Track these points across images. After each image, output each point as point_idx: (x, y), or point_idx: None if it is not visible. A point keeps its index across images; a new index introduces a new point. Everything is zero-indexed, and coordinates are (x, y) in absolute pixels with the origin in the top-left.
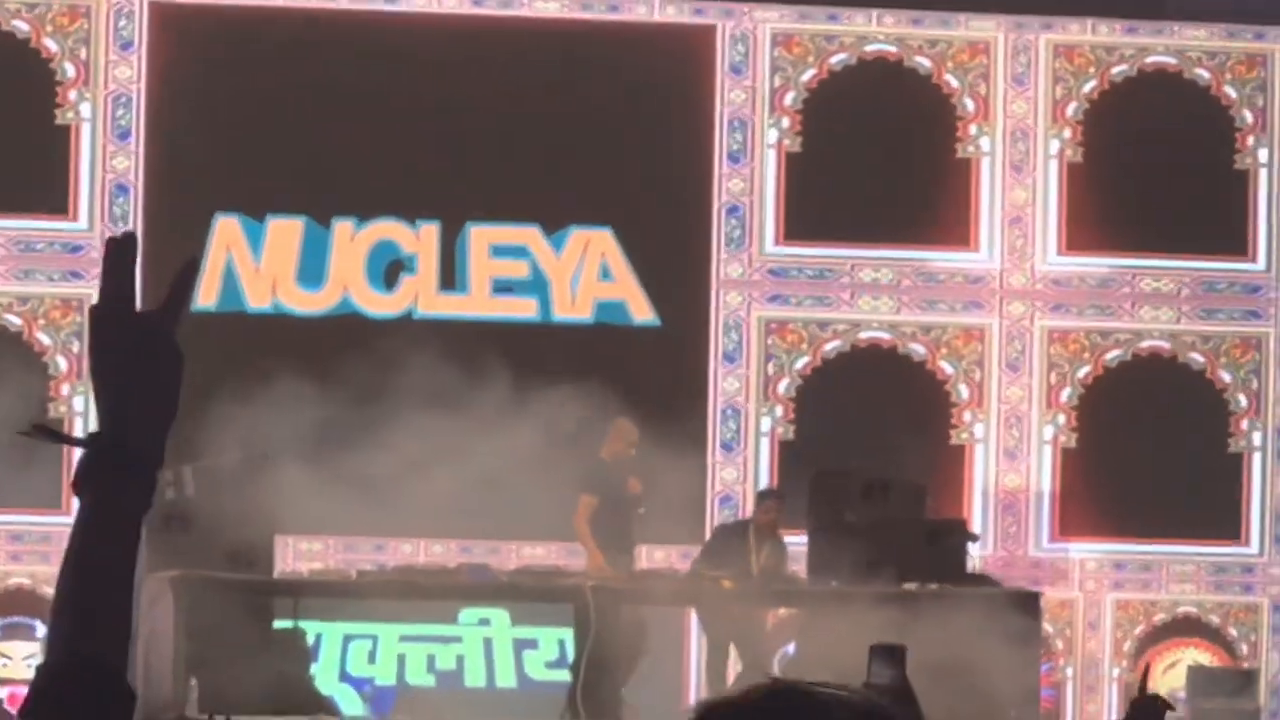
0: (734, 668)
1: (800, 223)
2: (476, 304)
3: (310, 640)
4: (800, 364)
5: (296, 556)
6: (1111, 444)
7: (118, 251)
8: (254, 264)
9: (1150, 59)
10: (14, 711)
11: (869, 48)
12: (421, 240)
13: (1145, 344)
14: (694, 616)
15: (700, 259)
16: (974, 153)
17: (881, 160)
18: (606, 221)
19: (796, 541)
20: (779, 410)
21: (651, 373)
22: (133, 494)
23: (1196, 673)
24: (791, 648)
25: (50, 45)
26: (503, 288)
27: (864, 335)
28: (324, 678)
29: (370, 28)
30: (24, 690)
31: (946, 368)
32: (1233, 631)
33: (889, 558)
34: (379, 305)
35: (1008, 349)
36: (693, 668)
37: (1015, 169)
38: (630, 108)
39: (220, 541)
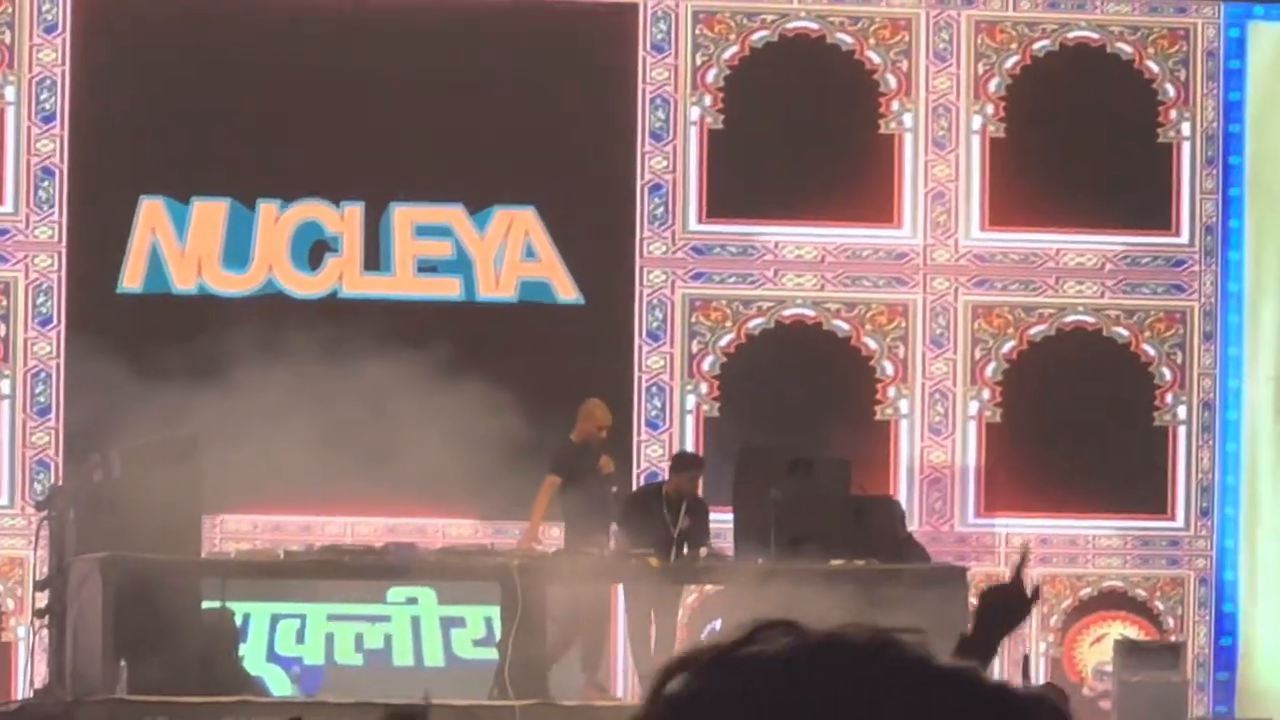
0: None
1: (723, 200)
2: (401, 284)
3: (238, 620)
4: (724, 341)
5: (224, 536)
6: (1037, 419)
7: None
8: (179, 246)
9: (1072, 34)
10: None
11: (791, 25)
12: (346, 221)
13: (1069, 319)
14: (620, 594)
15: (623, 237)
16: (896, 129)
17: (804, 137)
18: (530, 201)
19: (723, 519)
20: (703, 387)
21: (576, 351)
22: None
23: (1123, 646)
24: (718, 624)
25: None
26: (427, 267)
27: (788, 312)
28: (252, 658)
29: (293, 9)
30: None
31: (871, 344)
32: (1159, 605)
33: (814, 534)
34: (304, 286)
35: (932, 325)
36: (620, 644)
37: (938, 145)
38: (553, 86)
39: (147, 522)
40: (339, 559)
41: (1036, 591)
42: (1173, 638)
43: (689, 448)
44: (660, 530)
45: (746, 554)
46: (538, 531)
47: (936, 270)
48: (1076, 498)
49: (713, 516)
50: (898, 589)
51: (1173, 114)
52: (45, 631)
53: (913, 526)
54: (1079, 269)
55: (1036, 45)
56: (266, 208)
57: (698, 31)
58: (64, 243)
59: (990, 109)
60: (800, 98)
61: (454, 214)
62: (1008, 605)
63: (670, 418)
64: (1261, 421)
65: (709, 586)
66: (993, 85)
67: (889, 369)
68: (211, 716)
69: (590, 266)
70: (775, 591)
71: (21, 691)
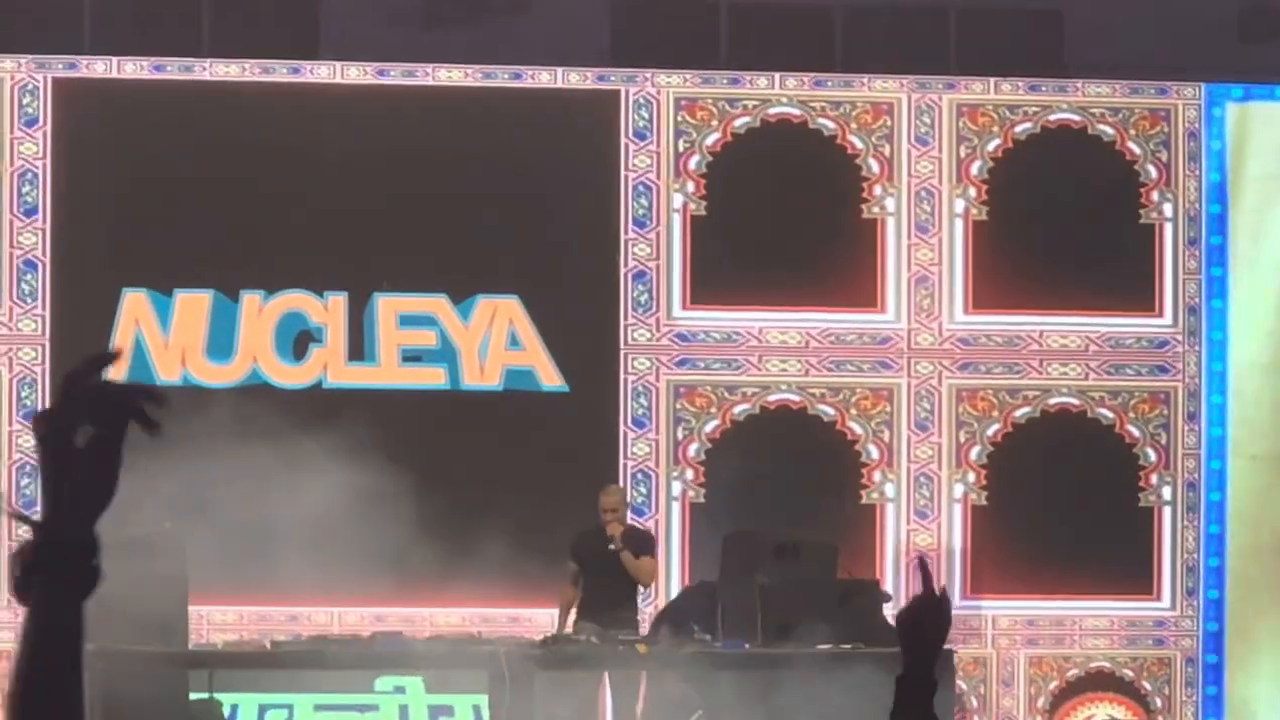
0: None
1: (707, 287)
2: (386, 374)
3: (226, 711)
4: (709, 427)
5: (210, 628)
6: (1022, 501)
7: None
8: (163, 338)
9: (1054, 116)
10: None
11: (772, 110)
12: (330, 311)
13: (1054, 400)
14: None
15: (608, 324)
16: (879, 213)
17: (787, 222)
18: (513, 289)
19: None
20: (689, 473)
21: (562, 439)
22: (76, 584)
23: None
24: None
25: None
26: (411, 357)
27: (773, 397)
28: None
29: (274, 100)
30: None
31: (856, 428)
32: (1147, 685)
33: (802, 619)
34: (288, 376)
35: (916, 408)
36: None
37: (920, 229)
38: (535, 175)
39: (133, 615)
40: (326, 649)
41: (943, 594)
42: (1160, 718)
43: (675, 534)
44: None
45: (734, 640)
46: (564, 620)
47: (920, 354)
48: (1063, 579)
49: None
50: (887, 673)
51: (1155, 195)
52: None
53: (899, 609)
54: (1063, 351)
55: (1018, 128)
56: (250, 299)
57: (679, 118)
58: (47, 336)
59: (973, 192)
60: (783, 183)
61: (438, 304)
62: (924, 624)
63: (656, 504)
64: (1246, 503)
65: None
66: (975, 168)
67: (874, 453)
68: None
69: (574, 354)
70: (762, 677)
71: None
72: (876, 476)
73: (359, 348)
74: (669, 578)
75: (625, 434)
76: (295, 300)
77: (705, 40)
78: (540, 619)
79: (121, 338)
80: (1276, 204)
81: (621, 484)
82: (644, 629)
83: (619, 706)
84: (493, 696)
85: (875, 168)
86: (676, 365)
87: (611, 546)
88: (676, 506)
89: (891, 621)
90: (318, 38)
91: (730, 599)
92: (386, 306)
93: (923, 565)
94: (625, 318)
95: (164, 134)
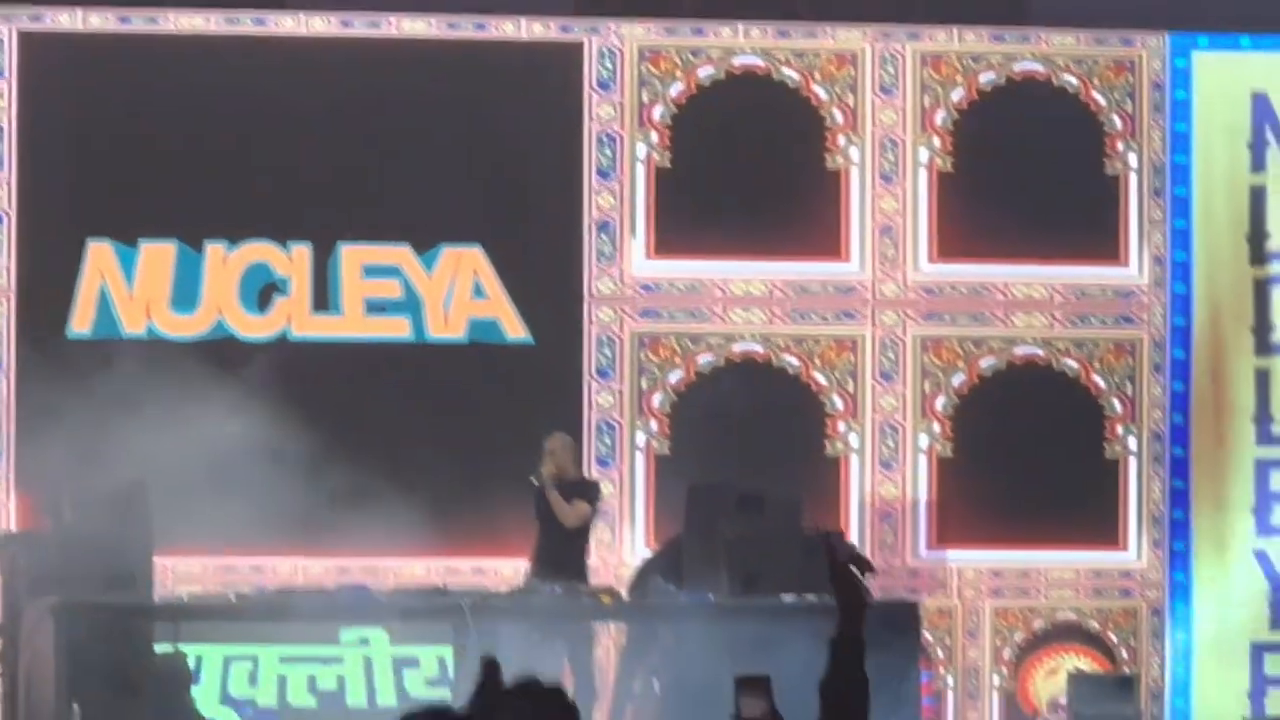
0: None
1: (671, 237)
2: (350, 325)
3: (191, 663)
4: (674, 378)
5: (176, 579)
6: (987, 452)
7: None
8: (127, 290)
9: (1018, 66)
10: None
11: (736, 60)
12: (294, 262)
13: (1019, 351)
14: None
15: (572, 275)
16: (843, 163)
17: (751, 173)
18: (477, 239)
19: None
20: (653, 425)
21: (526, 390)
22: None
23: (1077, 679)
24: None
25: None
26: (376, 308)
27: (737, 348)
28: (205, 700)
29: (237, 51)
30: None
31: (820, 379)
32: (1112, 637)
33: (766, 570)
34: (253, 328)
35: (881, 359)
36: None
37: (885, 179)
38: (499, 125)
39: (99, 568)
40: (290, 601)
41: (855, 555)
42: (1126, 670)
43: (640, 486)
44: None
45: (698, 591)
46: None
47: (885, 304)
48: (1029, 530)
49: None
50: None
51: (1119, 145)
52: None
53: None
54: (1028, 301)
55: (982, 78)
56: (214, 249)
57: (643, 69)
58: (13, 288)
59: (937, 142)
60: (747, 133)
61: (401, 254)
62: (847, 588)
63: (620, 455)
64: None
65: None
66: (939, 118)
67: (838, 404)
68: None
69: (538, 305)
70: (727, 629)
71: None
72: (841, 427)
73: (323, 298)
74: (633, 528)
75: (589, 384)
76: (259, 251)
77: None
78: (505, 570)
79: (86, 289)
80: (1241, 154)
81: (586, 435)
82: (594, 579)
83: (577, 656)
84: (457, 648)
85: (839, 118)
86: (640, 316)
87: (532, 479)
88: (640, 457)
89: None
90: None
91: (695, 551)
92: (351, 257)
93: (827, 539)
94: (589, 268)
95: (130, 86)
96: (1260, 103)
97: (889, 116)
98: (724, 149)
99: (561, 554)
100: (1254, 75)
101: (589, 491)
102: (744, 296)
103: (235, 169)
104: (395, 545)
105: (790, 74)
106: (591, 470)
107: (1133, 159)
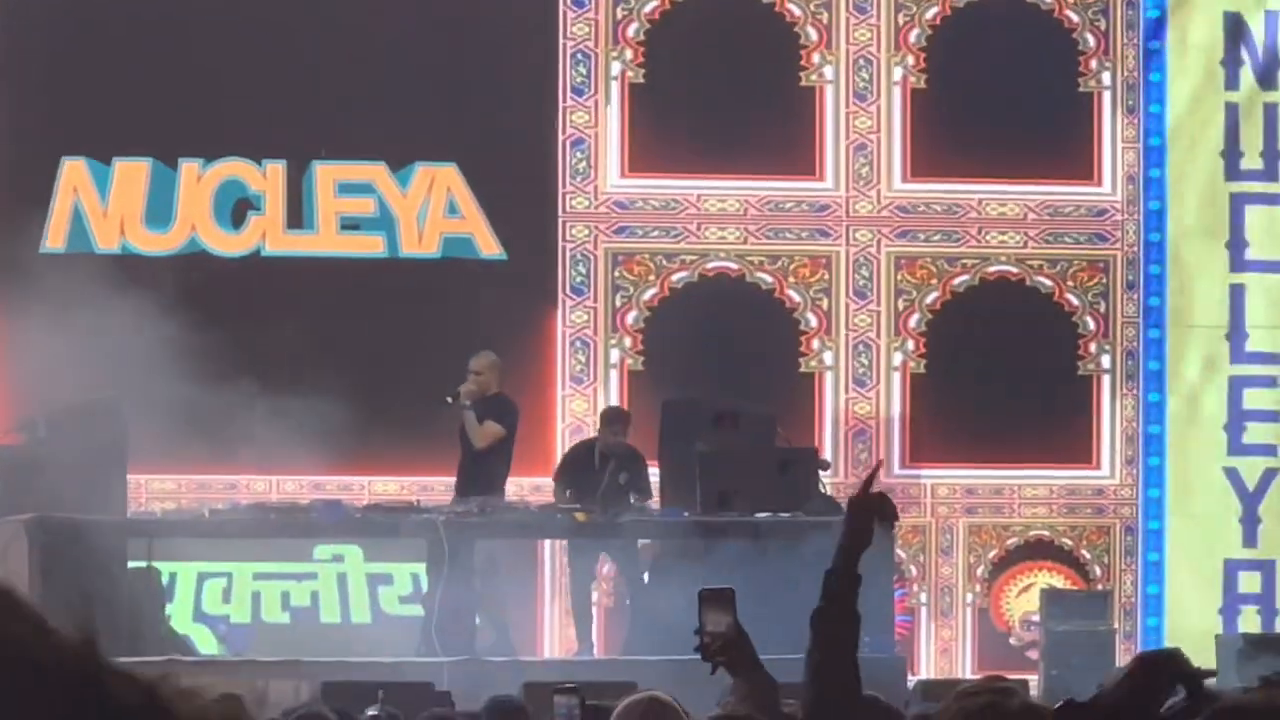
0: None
1: (645, 154)
2: (324, 242)
3: (164, 580)
4: (648, 295)
5: (149, 496)
6: (961, 369)
7: None
8: (101, 207)
9: None
10: None
11: None
12: (268, 179)
13: (992, 269)
14: (546, 547)
15: (546, 192)
16: (817, 81)
17: (725, 90)
18: (451, 157)
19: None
20: (627, 341)
21: (500, 306)
22: None
23: (1050, 595)
24: (645, 576)
25: None
26: (350, 225)
27: (711, 265)
28: (179, 617)
29: None
30: None
31: (794, 296)
32: (1085, 554)
33: (740, 487)
34: (227, 245)
35: (855, 276)
36: (546, 598)
37: (859, 97)
38: (473, 43)
39: (73, 484)
40: (265, 517)
41: (885, 501)
42: (1099, 586)
43: (614, 402)
44: (592, 486)
45: (672, 507)
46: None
47: (859, 222)
48: (1002, 448)
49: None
50: (825, 541)
51: (1093, 63)
52: None
53: (838, 478)
54: (1001, 219)
55: None
56: (188, 167)
57: None
58: None
59: (911, 60)
60: (721, 51)
61: (376, 171)
62: (862, 527)
63: (594, 372)
64: (1186, 369)
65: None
66: (913, 36)
67: (813, 321)
68: None
69: (513, 222)
70: (702, 545)
71: None
72: (815, 345)
73: (297, 216)
74: None
75: (564, 301)
76: (234, 168)
77: None
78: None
79: (60, 205)
80: (1216, 72)
81: (561, 351)
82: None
83: (576, 573)
84: (431, 564)
85: (814, 35)
86: (615, 233)
87: (447, 398)
88: (615, 374)
89: (828, 489)
90: None
91: (669, 466)
92: (325, 174)
93: (874, 471)
94: (563, 185)
95: (105, 4)
96: (1233, 20)
97: (863, 34)
98: (698, 67)
99: (477, 471)
100: None
101: (504, 411)
102: (718, 214)
103: (209, 86)
104: (368, 462)
105: None
106: (566, 386)
107: (1106, 77)
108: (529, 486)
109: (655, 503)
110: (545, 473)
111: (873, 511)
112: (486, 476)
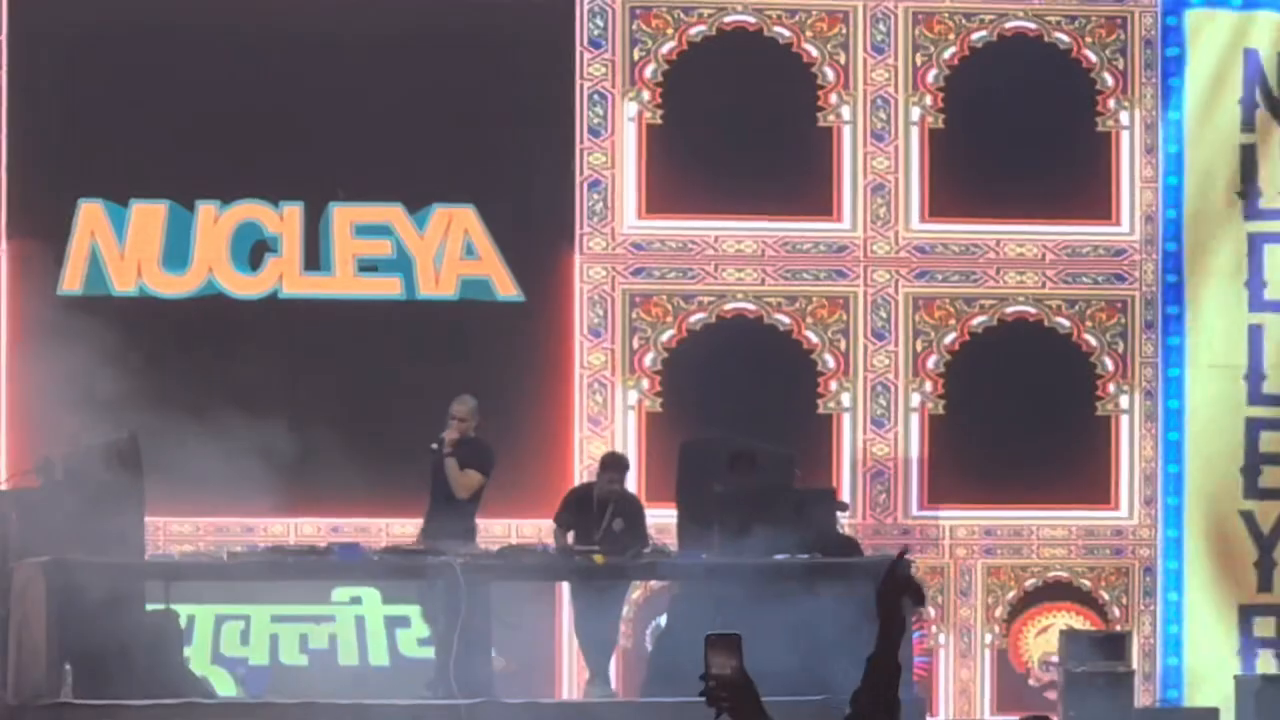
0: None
1: (662, 195)
2: (341, 284)
3: (182, 622)
4: (665, 336)
5: (167, 539)
6: (979, 410)
7: None
8: (118, 248)
9: (1010, 24)
10: None
11: (727, 18)
12: (285, 221)
13: (1011, 309)
14: (565, 589)
15: (563, 234)
16: (835, 121)
17: (743, 131)
18: (469, 199)
19: (666, 515)
20: (645, 383)
21: (517, 348)
22: None
23: (1069, 637)
24: (662, 620)
25: None
26: (367, 267)
27: (729, 306)
28: (197, 659)
29: (228, 9)
30: None
31: (812, 337)
32: (1104, 595)
33: (758, 528)
34: (244, 287)
35: (873, 317)
36: (564, 640)
37: (876, 137)
38: (491, 83)
39: (90, 526)
40: (283, 560)
41: (912, 583)
42: (1118, 627)
43: (631, 444)
44: (590, 530)
45: (690, 549)
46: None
47: (876, 262)
48: (1020, 488)
49: (657, 512)
50: (842, 583)
51: (1111, 103)
52: None
53: (856, 519)
54: (1019, 259)
55: (974, 36)
56: (205, 209)
57: (634, 26)
58: (4, 248)
59: (929, 100)
60: (738, 91)
61: (393, 213)
62: (892, 613)
63: (611, 414)
64: (1203, 408)
65: (654, 583)
66: (931, 77)
67: (830, 362)
68: (157, 719)
69: (530, 264)
70: (718, 587)
71: None
72: (833, 386)
73: (315, 257)
74: (632, 488)
75: (581, 343)
76: (251, 210)
77: None
78: (495, 529)
79: (77, 247)
80: (1233, 111)
81: (578, 393)
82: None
83: (580, 616)
84: (449, 607)
85: (831, 75)
86: (632, 274)
87: (434, 446)
88: (632, 416)
89: (846, 530)
90: None
91: (687, 508)
92: (342, 216)
93: (896, 562)
94: (581, 226)
95: (121, 43)
96: (1251, 59)
97: (881, 74)
98: (715, 107)
99: (451, 518)
100: (1245, 32)
101: (484, 459)
102: (736, 255)
103: (226, 128)
104: (387, 504)
105: (782, 31)
106: (584, 428)
107: (1124, 116)
108: (547, 529)
109: (672, 543)
110: None
111: (901, 595)
112: (463, 522)
